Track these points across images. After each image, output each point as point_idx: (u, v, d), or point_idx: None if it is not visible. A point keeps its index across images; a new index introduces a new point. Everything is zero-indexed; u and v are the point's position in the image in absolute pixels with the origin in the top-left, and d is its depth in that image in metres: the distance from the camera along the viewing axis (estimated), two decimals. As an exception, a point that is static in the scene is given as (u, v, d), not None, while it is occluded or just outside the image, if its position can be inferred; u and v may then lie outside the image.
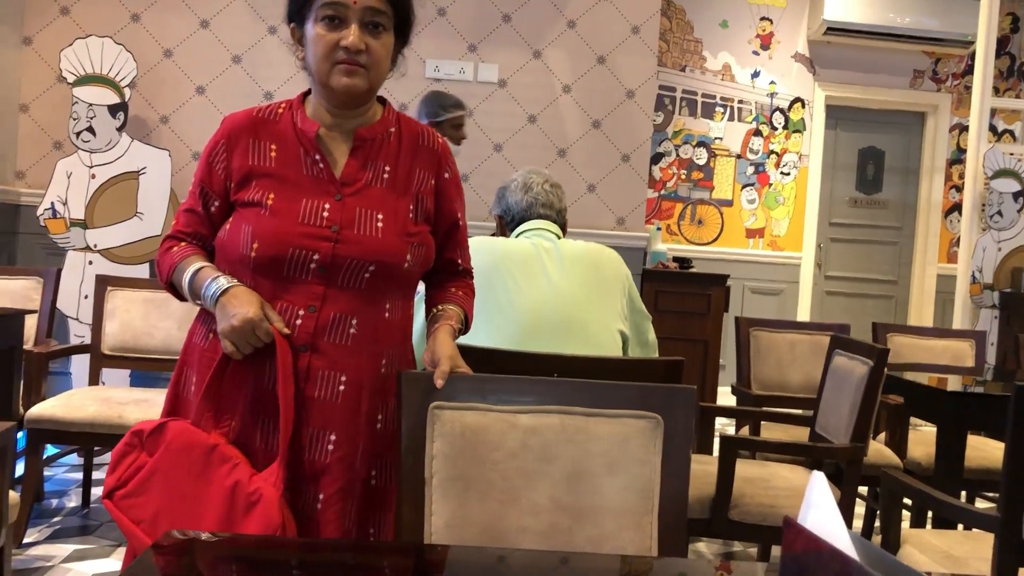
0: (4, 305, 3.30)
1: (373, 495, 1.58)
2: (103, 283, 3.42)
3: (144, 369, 3.44)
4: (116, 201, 4.39)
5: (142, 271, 4.35)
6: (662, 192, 6.34)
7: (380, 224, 1.54)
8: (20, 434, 2.88)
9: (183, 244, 1.60)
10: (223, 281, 1.50)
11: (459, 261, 1.74)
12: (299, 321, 1.51)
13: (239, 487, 1.42)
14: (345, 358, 1.52)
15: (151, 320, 3.39)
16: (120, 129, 4.38)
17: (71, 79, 4.34)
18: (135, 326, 3.38)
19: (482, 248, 2.26)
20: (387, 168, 1.59)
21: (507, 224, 2.45)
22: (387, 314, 1.58)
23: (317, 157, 1.56)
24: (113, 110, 4.37)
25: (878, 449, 3.26)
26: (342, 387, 1.52)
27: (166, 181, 4.41)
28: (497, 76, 4.61)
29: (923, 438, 3.40)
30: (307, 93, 1.64)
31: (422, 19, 4.57)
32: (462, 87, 4.59)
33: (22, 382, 2.88)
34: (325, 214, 1.52)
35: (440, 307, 1.69)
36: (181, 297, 1.61)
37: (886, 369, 2.73)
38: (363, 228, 1.53)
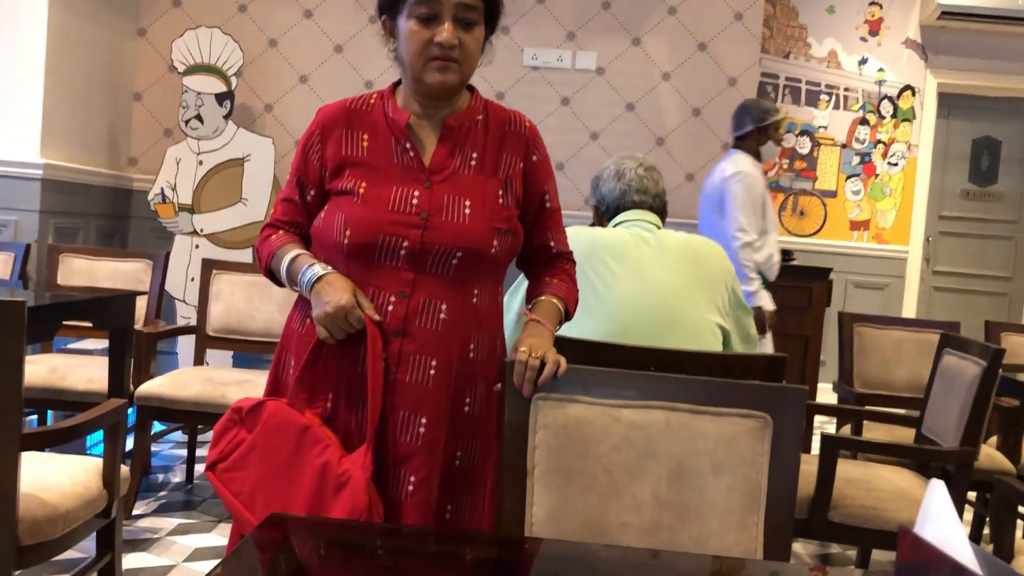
0: (116, 286, 3.43)
1: (457, 476, 1.59)
2: (208, 267, 3.53)
3: (246, 351, 3.54)
4: (222, 187, 4.52)
5: (246, 256, 4.48)
6: (762, 182, 6.18)
7: (468, 211, 1.54)
8: (130, 411, 2.99)
9: (281, 232, 1.65)
10: (318, 268, 1.53)
11: (552, 244, 1.71)
12: (391, 307, 1.53)
13: (329, 468, 1.45)
14: (435, 342, 1.54)
15: (254, 303, 3.48)
16: (227, 117, 4.51)
17: (181, 68, 4.49)
18: (239, 309, 3.48)
19: (579, 237, 2.22)
20: (474, 155, 1.60)
21: (603, 214, 2.40)
22: (475, 299, 1.58)
23: (408, 145, 1.58)
24: (220, 98, 4.50)
25: (989, 454, 3.12)
26: (432, 371, 1.53)
27: (269, 168, 4.52)
28: (595, 64, 4.56)
29: (1040, 444, 3.23)
30: (397, 83, 1.65)
31: (520, 6, 4.57)
32: (559, 75, 4.56)
33: (132, 361, 3.00)
34: (415, 201, 1.53)
35: (535, 300, 1.67)
36: (280, 284, 1.65)
37: (1000, 370, 2.60)
38: (451, 215, 1.54)
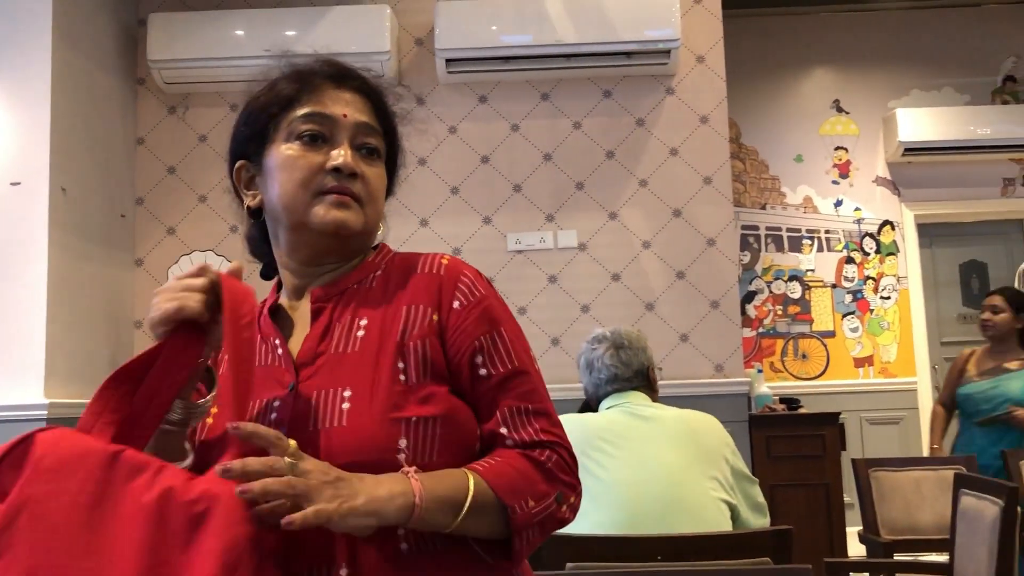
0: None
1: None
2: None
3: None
4: (225, 403, 4.56)
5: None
6: (760, 330, 6.23)
7: (346, 405, 1.05)
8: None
9: None
10: None
11: (503, 430, 1.10)
12: None
13: (170, 499, 0.90)
14: None
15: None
16: (225, 334, 4.60)
17: (179, 293, 4.62)
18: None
19: (571, 424, 2.22)
20: (363, 322, 1.12)
21: (591, 400, 2.41)
22: (404, 546, 1.03)
23: (276, 341, 1.14)
24: (218, 317, 4.61)
25: (1032, 592, 2.99)
26: None
27: (270, 379, 4.58)
28: (576, 241, 4.70)
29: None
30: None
31: (499, 196, 4.76)
32: (543, 255, 4.69)
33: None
34: (273, 415, 1.07)
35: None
36: None
37: (1019, 508, 2.54)
38: (325, 418, 1.05)
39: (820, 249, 6.32)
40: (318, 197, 1.12)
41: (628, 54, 4.59)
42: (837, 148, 6.41)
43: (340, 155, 1.12)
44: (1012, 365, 4.09)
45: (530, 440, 1.10)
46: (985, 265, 6.50)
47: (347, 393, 1.06)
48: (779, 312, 6.26)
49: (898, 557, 3.41)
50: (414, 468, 1.01)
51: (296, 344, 1.14)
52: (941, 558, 3.16)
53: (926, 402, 6.17)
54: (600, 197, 4.73)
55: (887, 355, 6.19)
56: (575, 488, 1.13)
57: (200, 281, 1.03)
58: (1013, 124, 6.15)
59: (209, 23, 4.65)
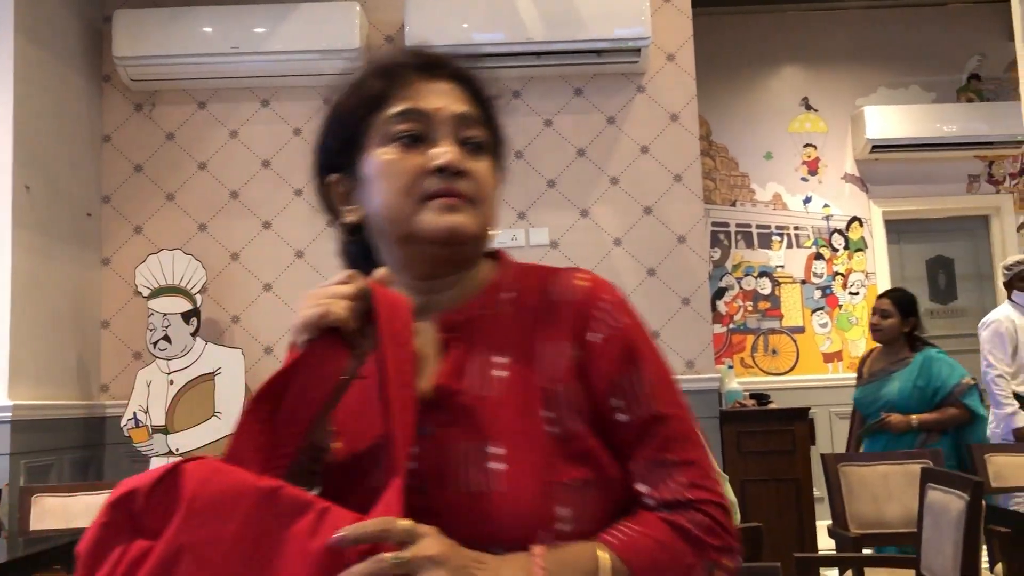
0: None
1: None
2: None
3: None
4: (195, 403, 4.52)
5: (223, 469, 4.42)
6: (731, 326, 6.27)
7: (500, 466, 0.89)
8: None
9: None
10: None
11: (644, 489, 0.95)
12: None
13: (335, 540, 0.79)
14: None
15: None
16: (194, 334, 4.56)
17: (146, 292, 4.57)
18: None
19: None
20: (500, 359, 0.97)
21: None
22: None
23: None
24: (186, 317, 4.56)
25: (997, 584, 3.04)
26: None
27: (240, 379, 4.54)
28: (548, 238, 4.71)
29: (1044, 567, 3.16)
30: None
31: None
32: (516, 252, 4.60)
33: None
34: (413, 464, 0.90)
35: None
36: None
37: (984, 500, 2.58)
38: (470, 478, 0.90)
39: (790, 245, 6.37)
40: (424, 203, 0.97)
41: (598, 52, 4.60)
42: (806, 145, 6.46)
43: (443, 152, 0.98)
44: (894, 368, 4.14)
45: (673, 500, 0.93)
46: (952, 260, 6.59)
47: (498, 450, 0.90)
48: (749, 308, 6.30)
49: (867, 551, 3.45)
50: (540, 550, 0.86)
51: (423, 379, 0.95)
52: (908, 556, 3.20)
53: (894, 396, 6.24)
54: (571, 195, 4.74)
55: (856, 350, 6.25)
56: (731, 550, 0.95)
57: (348, 288, 0.90)
58: (978, 121, 6.23)
59: (176, 20, 4.60)
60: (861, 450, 4.24)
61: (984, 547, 3.35)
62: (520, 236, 4.71)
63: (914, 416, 3.98)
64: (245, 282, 4.84)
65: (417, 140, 0.99)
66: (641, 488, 0.95)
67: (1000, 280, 5.07)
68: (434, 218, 0.96)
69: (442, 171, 0.97)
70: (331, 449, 0.98)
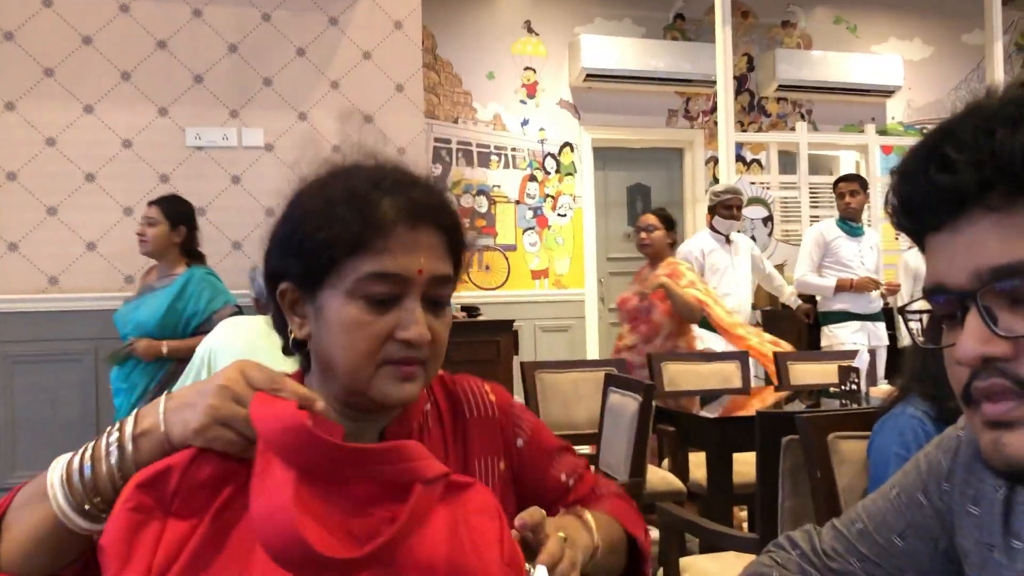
0: None
1: None
2: None
3: None
4: None
5: None
6: (447, 241, 6.40)
7: None
8: None
9: None
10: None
11: (562, 476, 1.17)
12: None
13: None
14: None
15: None
16: None
17: None
18: None
19: (239, 329, 2.17)
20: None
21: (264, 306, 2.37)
22: None
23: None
24: None
25: (664, 476, 3.41)
26: None
27: None
28: (263, 140, 4.52)
29: (703, 460, 3.58)
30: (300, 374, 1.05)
31: (179, 85, 4.42)
32: (227, 153, 4.46)
33: None
34: None
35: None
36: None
37: (655, 402, 2.86)
38: None
39: (506, 166, 6.58)
40: (381, 368, 0.95)
41: (322, -53, 4.40)
42: (526, 68, 6.64)
43: (412, 324, 0.95)
44: (159, 284, 3.62)
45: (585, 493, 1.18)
46: (649, 188, 7.13)
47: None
48: (467, 225, 6.45)
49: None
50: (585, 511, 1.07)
51: None
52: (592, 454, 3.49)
53: (592, 312, 6.72)
54: (289, 96, 4.56)
55: (561, 268, 6.63)
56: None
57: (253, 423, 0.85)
58: (680, 59, 6.72)
59: None
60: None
61: (658, 444, 3.74)
62: (232, 136, 4.48)
63: (165, 343, 3.47)
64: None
65: (385, 303, 0.95)
66: (560, 475, 1.17)
67: (690, 209, 5.60)
68: (389, 387, 0.96)
69: (407, 344, 0.95)
70: None
